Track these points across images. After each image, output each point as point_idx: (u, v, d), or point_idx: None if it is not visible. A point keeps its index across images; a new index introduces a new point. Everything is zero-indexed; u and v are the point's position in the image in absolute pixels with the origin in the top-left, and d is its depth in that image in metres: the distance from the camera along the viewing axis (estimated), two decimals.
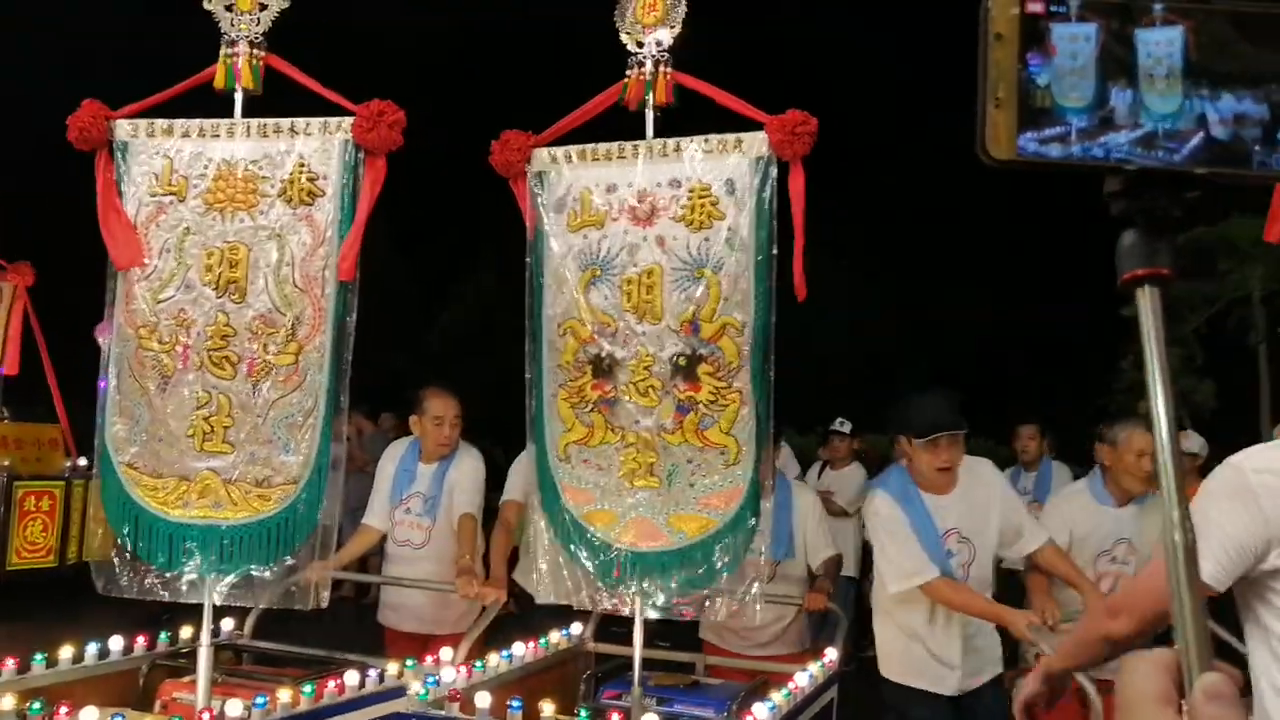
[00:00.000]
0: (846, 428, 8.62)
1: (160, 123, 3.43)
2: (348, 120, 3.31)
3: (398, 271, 23.18)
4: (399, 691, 3.62)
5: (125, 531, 3.31)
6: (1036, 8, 1.02)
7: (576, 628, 4.52)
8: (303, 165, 3.32)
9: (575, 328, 3.61)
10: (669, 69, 3.57)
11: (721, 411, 3.48)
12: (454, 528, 4.75)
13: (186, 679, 3.66)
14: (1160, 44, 1.01)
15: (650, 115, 3.57)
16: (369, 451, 9.66)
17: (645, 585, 3.52)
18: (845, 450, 8.54)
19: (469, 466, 4.88)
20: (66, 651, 3.67)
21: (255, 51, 3.38)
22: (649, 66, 3.57)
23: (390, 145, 3.28)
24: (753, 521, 3.51)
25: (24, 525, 9.06)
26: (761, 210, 3.46)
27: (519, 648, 4.05)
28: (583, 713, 3.29)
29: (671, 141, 3.56)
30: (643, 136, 3.59)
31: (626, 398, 3.56)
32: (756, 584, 3.59)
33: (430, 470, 4.88)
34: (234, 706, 3.03)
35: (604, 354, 3.58)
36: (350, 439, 11.55)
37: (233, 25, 3.41)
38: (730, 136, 3.50)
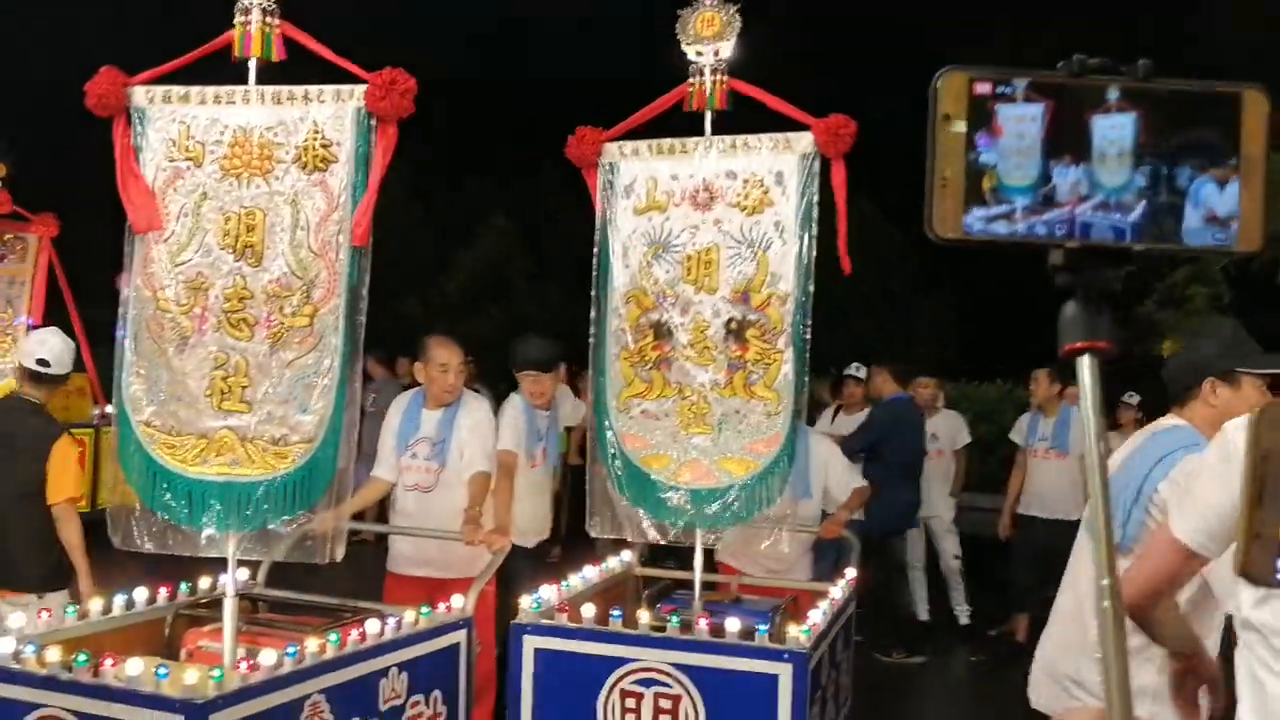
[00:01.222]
0: (862, 372, 8.65)
1: (176, 89, 3.49)
2: (360, 88, 3.36)
3: (413, 218, 23.21)
4: (418, 638, 3.76)
5: (144, 488, 3.40)
6: (984, 89, 1.09)
7: (626, 555, 5.14)
8: (317, 132, 3.38)
9: (639, 297, 4.25)
10: (725, 76, 4.12)
11: (766, 369, 4.11)
12: (462, 475, 4.88)
13: (208, 628, 3.80)
14: (1115, 128, 1.09)
15: (709, 115, 4.15)
16: (382, 400, 9.71)
17: (700, 517, 4.17)
18: (859, 395, 8.59)
19: (481, 418, 5.03)
20: (96, 604, 3.82)
21: (269, 20, 3.42)
22: (707, 75, 4.13)
23: (402, 113, 3.34)
24: (789, 463, 4.16)
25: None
26: (806, 199, 4.07)
27: (590, 571, 4.77)
28: (673, 619, 3.94)
29: (729, 139, 4.16)
30: (689, 129, 4.17)
31: (684, 358, 4.20)
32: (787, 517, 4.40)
33: (436, 416, 5.02)
34: (268, 656, 3.16)
35: (664, 319, 4.22)
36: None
37: None
38: (781, 136, 4.10)
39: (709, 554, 5.17)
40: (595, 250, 4.32)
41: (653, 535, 4.33)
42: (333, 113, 3.39)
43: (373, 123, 3.38)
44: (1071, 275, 1.15)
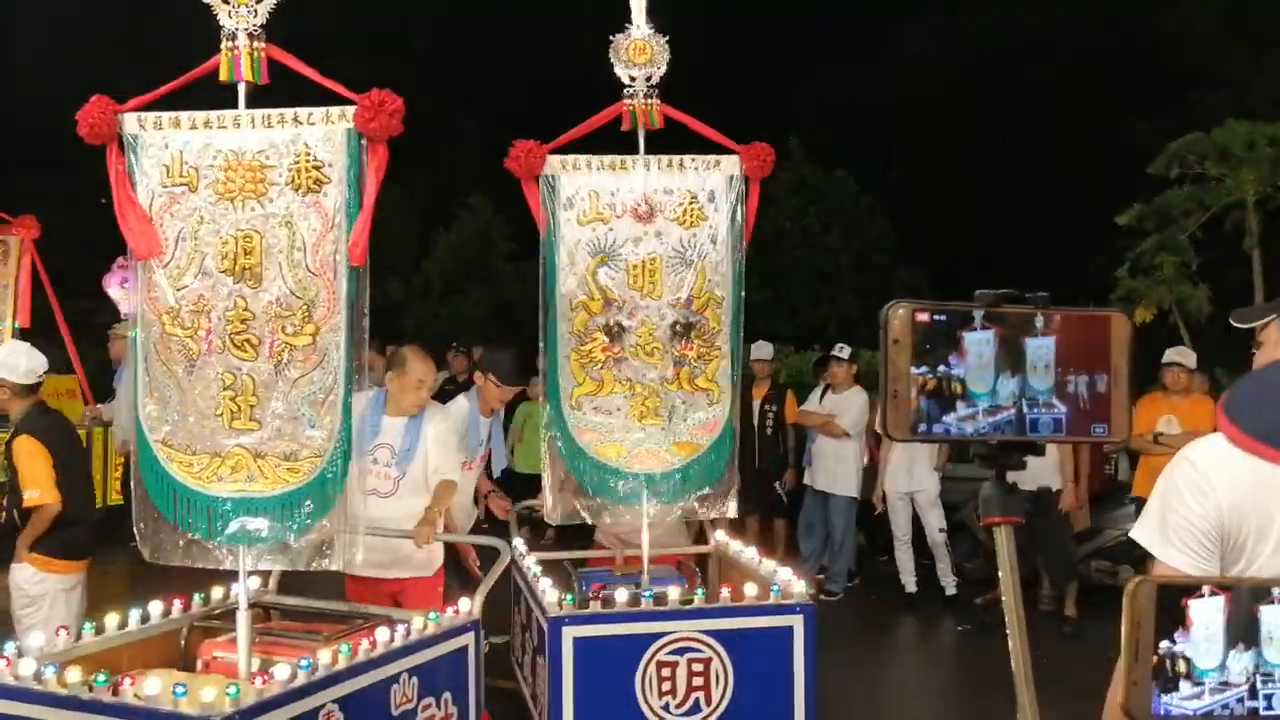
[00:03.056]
0: (846, 353, 8.81)
1: (167, 116, 3.54)
2: (350, 109, 3.41)
3: (391, 199, 23.17)
4: (426, 643, 3.86)
5: (167, 505, 3.50)
6: (924, 317, 1.39)
7: (520, 543, 5.44)
8: (308, 154, 3.44)
9: (586, 303, 4.59)
10: (656, 100, 4.56)
11: (707, 364, 4.67)
12: (428, 482, 4.89)
13: (223, 638, 3.90)
14: (1042, 348, 1.43)
15: (641, 134, 4.56)
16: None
17: (654, 495, 4.63)
18: (845, 375, 8.74)
19: (446, 428, 5.05)
20: (112, 619, 3.90)
21: (255, 44, 3.46)
22: (639, 98, 4.54)
23: (391, 133, 3.39)
24: (729, 444, 4.72)
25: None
26: (735, 215, 4.61)
27: (531, 562, 5.13)
28: (700, 591, 4.62)
29: (665, 158, 4.59)
30: (621, 148, 4.57)
31: (635, 357, 4.61)
32: (734, 495, 4.81)
33: (399, 424, 4.95)
34: (282, 670, 3.26)
35: (613, 323, 4.58)
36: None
37: (230, 17, 3.49)
38: (711, 158, 4.61)
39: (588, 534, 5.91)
40: (540, 259, 4.61)
41: (607, 519, 4.87)
42: (323, 134, 3.45)
43: (363, 143, 3.43)
44: (992, 462, 1.49)
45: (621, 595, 4.42)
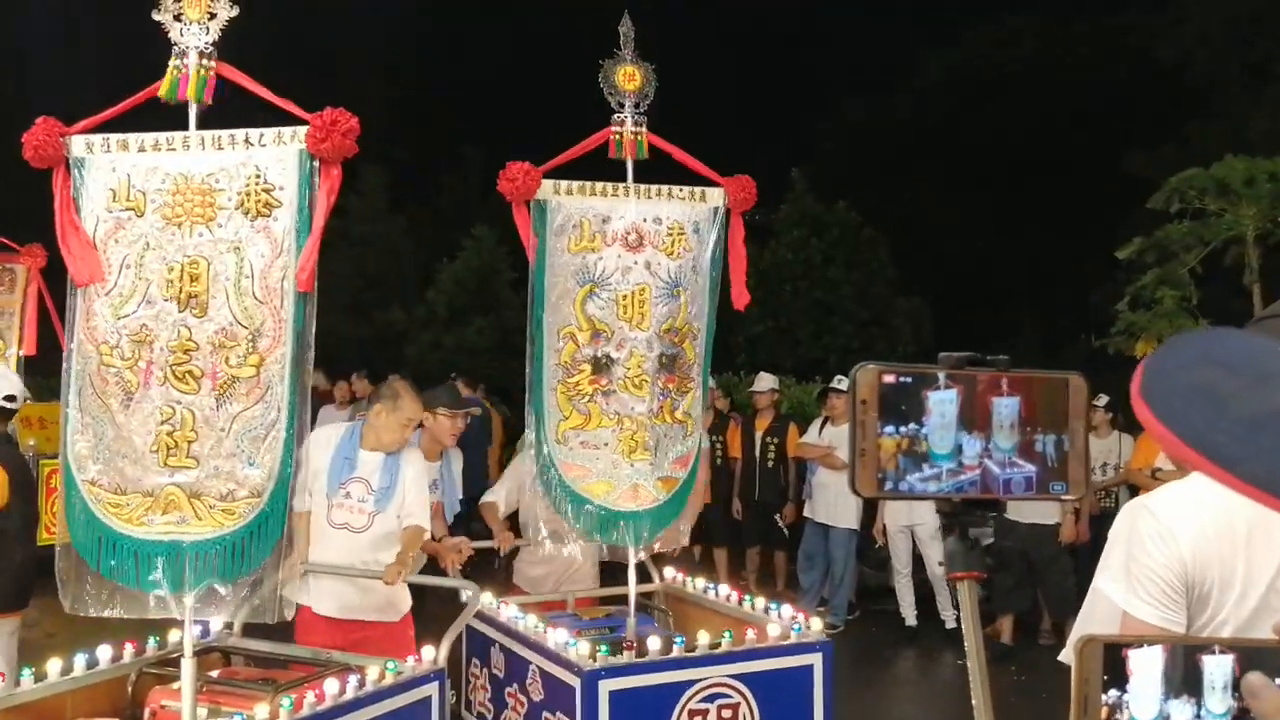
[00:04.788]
0: (843, 384, 8.67)
1: (115, 137, 3.38)
2: (302, 129, 3.25)
3: (395, 228, 23.09)
4: (381, 695, 3.65)
5: (91, 551, 3.28)
6: (890, 379, 1.39)
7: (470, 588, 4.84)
8: (259, 177, 3.27)
9: (574, 333, 4.48)
10: (644, 129, 4.51)
11: (684, 396, 4.62)
12: (402, 521, 4.65)
13: (174, 685, 3.68)
14: (1008, 406, 1.43)
15: (630, 162, 4.51)
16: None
17: (636, 535, 4.53)
18: (844, 407, 8.58)
19: (422, 469, 4.80)
20: (54, 665, 3.69)
21: (204, 62, 3.32)
22: (629, 125, 4.50)
23: (344, 154, 3.22)
24: (693, 478, 4.71)
25: (52, 502, 9.19)
26: (716, 246, 4.59)
27: (507, 609, 4.87)
28: (727, 634, 4.37)
29: (655, 187, 4.53)
30: (612, 173, 4.51)
31: (623, 390, 4.49)
32: (685, 524, 4.79)
33: (376, 459, 4.67)
34: None
35: (601, 354, 4.47)
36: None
37: (183, 35, 3.35)
38: (696, 189, 4.58)
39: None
40: (529, 286, 4.50)
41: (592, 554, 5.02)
42: (274, 156, 3.27)
43: (315, 164, 3.26)
44: (955, 519, 1.48)
45: (655, 644, 4.20)
